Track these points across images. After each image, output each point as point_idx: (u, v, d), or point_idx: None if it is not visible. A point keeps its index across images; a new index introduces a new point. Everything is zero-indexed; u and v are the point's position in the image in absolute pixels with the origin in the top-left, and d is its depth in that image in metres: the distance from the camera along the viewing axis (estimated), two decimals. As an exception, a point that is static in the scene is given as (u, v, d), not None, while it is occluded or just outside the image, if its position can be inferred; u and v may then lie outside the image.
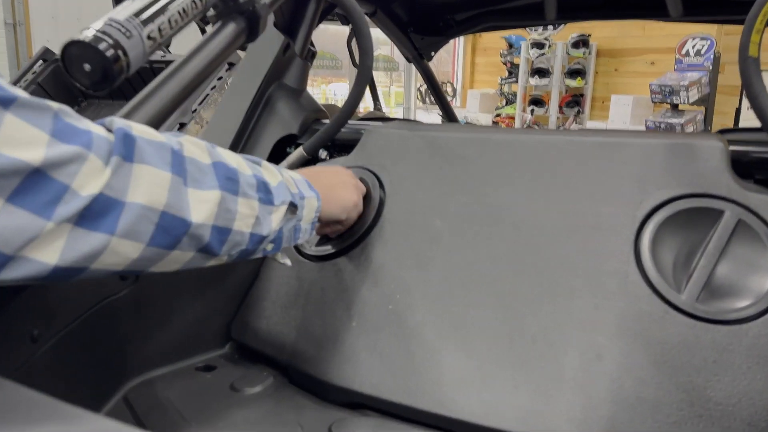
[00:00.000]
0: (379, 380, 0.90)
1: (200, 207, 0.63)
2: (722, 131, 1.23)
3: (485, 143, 1.06)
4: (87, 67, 0.85)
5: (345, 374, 0.92)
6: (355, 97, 1.24)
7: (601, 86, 7.27)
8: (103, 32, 0.85)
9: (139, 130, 0.59)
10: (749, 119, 5.49)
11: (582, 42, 7.04)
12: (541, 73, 7.28)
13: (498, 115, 7.93)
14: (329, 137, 1.26)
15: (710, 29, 5.82)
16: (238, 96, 1.39)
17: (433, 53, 2.31)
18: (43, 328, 0.79)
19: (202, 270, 1.03)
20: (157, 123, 0.93)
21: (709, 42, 5.77)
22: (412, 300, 0.96)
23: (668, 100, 5.86)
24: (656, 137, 0.97)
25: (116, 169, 0.54)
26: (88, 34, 0.85)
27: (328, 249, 1.08)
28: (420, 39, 2.20)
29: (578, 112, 7.28)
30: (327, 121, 1.48)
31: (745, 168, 0.95)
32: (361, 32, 1.19)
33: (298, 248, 1.11)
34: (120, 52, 0.86)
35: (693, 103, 5.77)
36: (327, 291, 1.03)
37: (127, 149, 0.56)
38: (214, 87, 2.67)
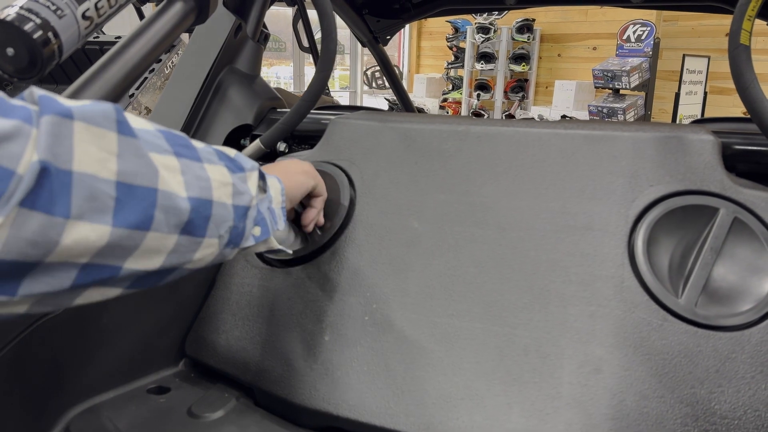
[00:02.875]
0: (357, 401, 0.82)
1: (166, 174, 0.52)
2: (698, 121, 1.20)
3: (465, 136, 0.98)
4: (10, 51, 0.72)
5: (319, 395, 0.84)
6: (318, 84, 1.14)
7: (544, 71, 7.33)
8: (29, 10, 0.72)
9: (68, 101, 0.47)
10: (688, 104, 5.66)
11: (526, 27, 7.06)
12: (487, 58, 7.27)
13: (445, 100, 7.90)
14: (290, 128, 1.15)
15: (650, 15, 5.93)
16: (186, 82, 1.26)
17: (388, 37, 2.22)
18: None
19: None
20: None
21: (649, 28, 5.88)
22: (390, 310, 0.88)
23: (610, 85, 5.96)
24: (644, 129, 0.92)
25: (54, 131, 0.43)
26: (10, 12, 0.72)
27: (293, 254, 0.99)
28: (375, 22, 2.10)
29: (523, 97, 7.33)
30: (285, 109, 1.37)
31: (728, 160, 0.91)
32: (324, 13, 1.09)
33: (259, 254, 1.01)
34: (50, 34, 0.73)
35: (634, 88, 5.88)
36: (294, 301, 0.94)
37: (63, 113, 0.45)
38: (153, 70, 2.50)
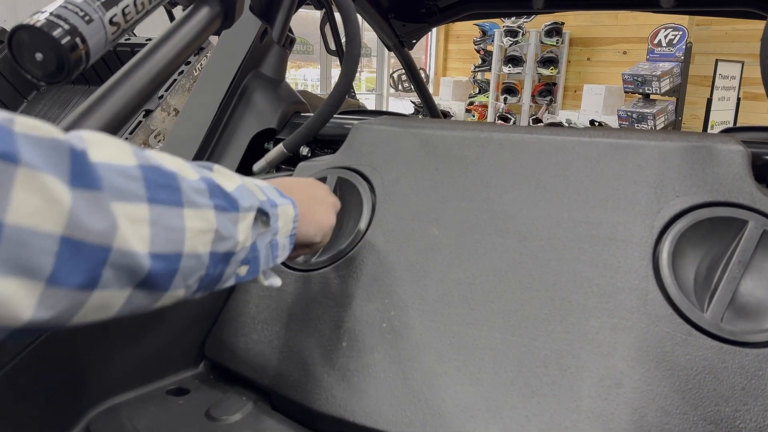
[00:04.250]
0: (374, 409, 0.81)
1: (127, 229, 0.45)
2: (728, 130, 1.17)
3: (487, 143, 0.97)
4: (39, 56, 0.74)
5: (335, 401, 0.83)
6: (341, 89, 1.14)
7: (573, 75, 7.26)
8: (58, 16, 0.73)
9: (25, 124, 0.40)
10: (720, 110, 5.55)
11: (555, 30, 7.00)
12: (515, 61, 7.23)
13: (471, 104, 7.87)
14: (312, 133, 1.16)
15: (682, 20, 5.83)
16: (212, 86, 1.27)
17: (414, 41, 2.22)
18: None
19: None
20: (126, 115, 0.82)
21: (681, 32, 5.78)
22: (408, 317, 0.87)
23: (640, 90, 5.87)
24: (671, 139, 0.90)
25: None
26: (40, 18, 0.73)
27: (314, 259, 0.99)
28: (401, 26, 2.10)
29: (551, 101, 7.27)
30: (308, 114, 1.38)
31: (758, 171, 0.88)
32: (348, 18, 1.09)
33: (280, 258, 1.01)
34: (78, 40, 0.74)
35: (664, 93, 5.79)
36: (313, 306, 0.94)
37: (6, 155, 0.38)
38: (182, 72, 2.53)
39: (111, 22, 0.79)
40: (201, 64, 2.65)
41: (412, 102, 7.59)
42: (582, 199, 0.88)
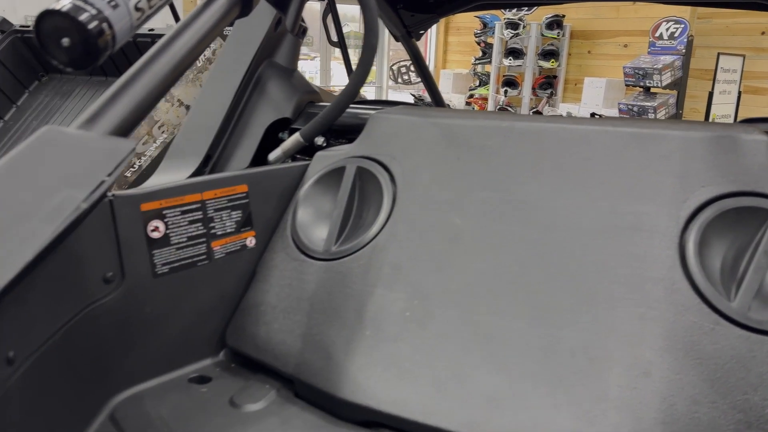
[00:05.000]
0: (399, 397, 0.81)
1: None
2: (746, 121, 1.17)
3: (509, 132, 0.97)
4: (66, 41, 0.73)
5: (360, 389, 0.83)
6: (358, 79, 1.14)
7: (573, 68, 7.23)
8: (85, 1, 0.72)
9: None
10: (721, 103, 5.55)
11: (556, 23, 6.98)
12: (515, 53, 7.20)
13: (471, 96, 7.85)
14: (329, 122, 1.15)
15: (684, 12, 5.82)
16: (227, 75, 1.26)
17: (422, 32, 2.21)
18: (18, 348, 0.67)
19: (192, 270, 0.92)
20: (149, 104, 0.81)
21: (682, 26, 5.77)
22: (431, 307, 0.87)
23: (642, 83, 5.86)
24: (695, 129, 0.89)
25: None
26: (66, 3, 0.73)
27: (335, 248, 0.98)
28: (410, 16, 2.08)
29: (551, 94, 7.25)
30: (322, 104, 1.37)
31: None
32: (366, 6, 1.08)
33: (301, 248, 1.01)
34: (105, 25, 0.73)
35: (666, 87, 5.78)
36: (335, 295, 0.93)
37: None
38: (185, 62, 2.51)
39: (136, 7, 0.78)
40: (205, 55, 2.64)
41: (412, 95, 7.56)
42: (606, 189, 0.87)
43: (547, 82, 7.25)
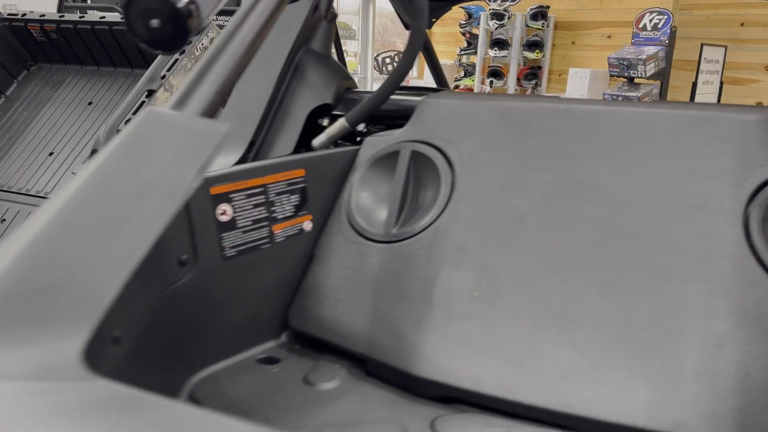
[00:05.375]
0: (476, 373, 0.83)
1: None
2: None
3: (567, 115, 0.99)
4: (155, 23, 0.73)
5: (436, 366, 0.85)
6: (405, 64, 1.15)
7: (558, 59, 7.31)
8: (177, -19, 0.73)
9: None
10: (703, 93, 5.66)
11: (540, 14, 7.04)
12: (500, 44, 7.25)
13: (456, 86, 7.88)
14: (375, 107, 1.16)
15: (666, 3, 5.92)
16: (268, 61, 1.26)
17: (434, 20, 2.22)
18: (122, 328, 0.68)
19: (256, 253, 0.93)
20: (228, 87, 0.81)
21: (666, 16, 5.86)
22: (500, 286, 0.89)
23: (626, 74, 5.95)
24: (750, 112, 0.93)
25: None
26: None
27: (395, 231, 1.00)
28: None
29: (536, 85, 7.32)
30: (359, 90, 1.38)
31: None
32: None
33: (359, 231, 1.02)
34: (193, 7, 0.74)
35: (650, 77, 5.88)
36: (399, 276, 0.95)
37: None
38: (184, 51, 2.50)
39: (218, -10, 0.79)
40: (202, 44, 2.62)
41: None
42: (668, 169, 0.90)
43: (531, 73, 7.31)
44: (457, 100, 1.09)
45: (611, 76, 6.20)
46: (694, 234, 0.85)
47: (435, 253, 0.95)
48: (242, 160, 1.16)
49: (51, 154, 2.52)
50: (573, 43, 7.19)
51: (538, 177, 0.96)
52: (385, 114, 1.28)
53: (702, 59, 5.59)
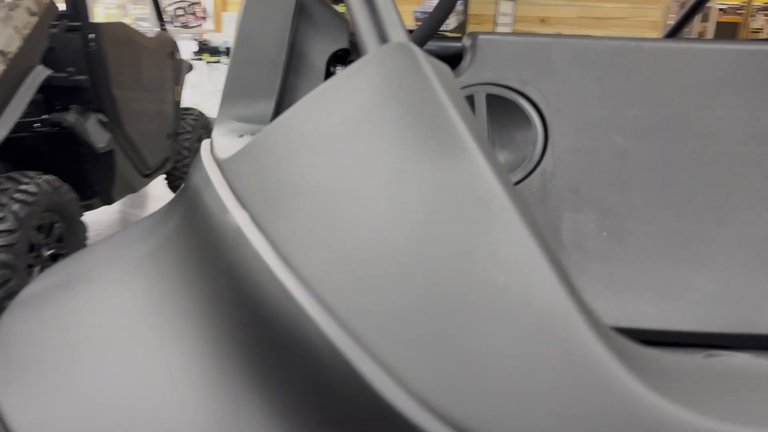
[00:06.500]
0: (628, 310, 0.84)
1: None
2: None
3: (638, 51, 1.01)
4: None
5: (603, 313, 0.84)
6: (447, 5, 1.07)
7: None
8: None
9: None
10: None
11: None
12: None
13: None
14: (439, 24, 1.07)
15: (462, -40, 6.30)
16: (274, 6, 1.08)
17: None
18: None
19: None
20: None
21: (463, -28, 6.25)
22: (624, 223, 0.91)
23: (433, 27, 6.25)
24: None
25: None
26: None
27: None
28: None
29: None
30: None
31: None
32: None
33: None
34: None
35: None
36: None
37: None
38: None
39: None
40: None
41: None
42: (746, 100, 0.98)
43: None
44: (521, 38, 1.05)
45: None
46: None
47: (550, 197, 0.92)
48: (278, 114, 0.99)
49: None
50: (374, -4, 7.31)
51: (628, 113, 0.98)
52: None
53: (498, 13, 6.10)
